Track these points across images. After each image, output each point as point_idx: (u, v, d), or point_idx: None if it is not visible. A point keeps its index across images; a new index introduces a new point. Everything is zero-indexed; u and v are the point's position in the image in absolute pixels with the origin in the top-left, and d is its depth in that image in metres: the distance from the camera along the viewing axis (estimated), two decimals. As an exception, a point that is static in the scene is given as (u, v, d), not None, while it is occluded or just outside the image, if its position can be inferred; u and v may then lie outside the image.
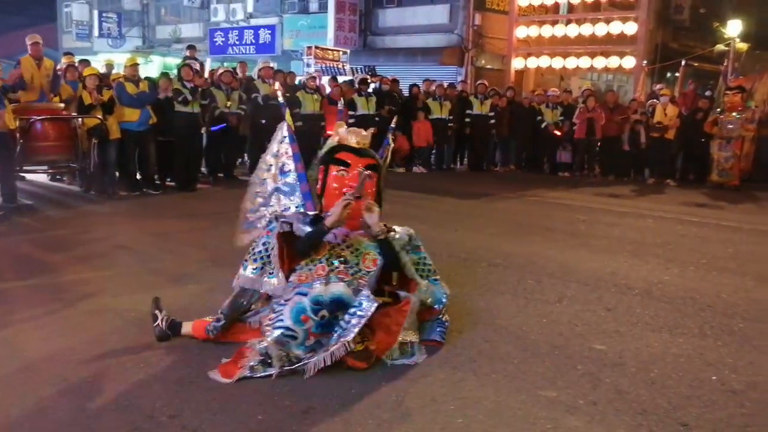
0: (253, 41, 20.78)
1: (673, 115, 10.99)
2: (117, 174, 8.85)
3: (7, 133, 7.25)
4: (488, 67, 17.19)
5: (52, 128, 8.06)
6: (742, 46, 14.42)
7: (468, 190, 9.90)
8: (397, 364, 3.24)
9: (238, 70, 11.30)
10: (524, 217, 7.83)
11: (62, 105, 8.49)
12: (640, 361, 3.40)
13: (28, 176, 9.08)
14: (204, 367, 3.16)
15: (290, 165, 3.77)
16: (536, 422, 2.74)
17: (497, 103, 12.60)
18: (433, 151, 12.77)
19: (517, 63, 16.03)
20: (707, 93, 12.36)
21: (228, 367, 3.11)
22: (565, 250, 5.98)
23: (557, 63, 15.41)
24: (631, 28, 14.39)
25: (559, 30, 15.50)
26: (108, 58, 15.88)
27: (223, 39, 21.62)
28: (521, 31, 15.92)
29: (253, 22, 20.98)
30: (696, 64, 15.53)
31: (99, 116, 8.16)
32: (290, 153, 3.75)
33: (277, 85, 9.33)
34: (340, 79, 14.06)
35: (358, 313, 3.14)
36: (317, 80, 11.73)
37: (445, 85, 12.96)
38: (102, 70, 10.55)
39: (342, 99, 10.11)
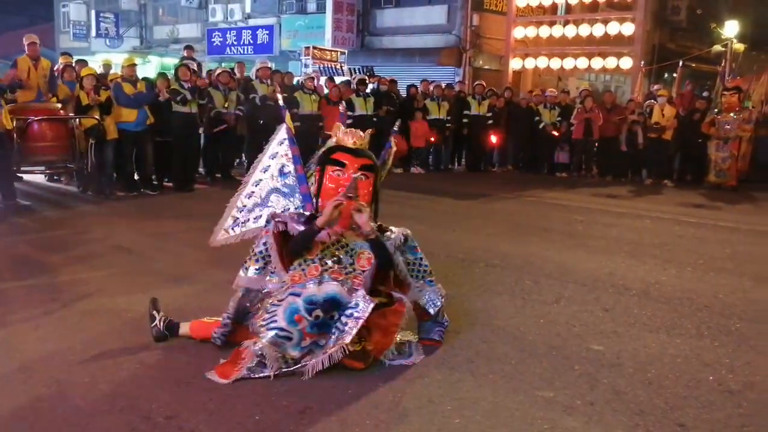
0: (251, 41, 20.77)
1: (671, 116, 11.00)
2: (114, 174, 8.85)
3: (4, 133, 7.25)
4: (486, 67, 17.21)
5: (49, 128, 8.05)
6: (739, 46, 14.48)
7: (466, 191, 9.91)
8: (394, 365, 3.25)
9: (235, 71, 11.27)
10: (522, 218, 7.84)
11: (59, 105, 8.47)
12: (637, 362, 3.40)
13: (26, 177, 9.06)
14: (201, 367, 3.15)
15: (290, 167, 3.76)
16: (534, 423, 2.74)
17: (495, 104, 12.62)
18: (431, 150, 12.77)
19: (514, 63, 16.04)
20: (704, 94, 12.39)
21: (225, 368, 3.11)
22: (563, 250, 5.99)
23: (555, 63, 15.44)
24: (628, 29, 14.42)
25: (557, 30, 15.52)
26: (105, 58, 15.86)
27: (221, 39, 21.59)
28: (519, 32, 15.93)
29: (251, 22, 20.97)
30: (693, 65, 15.57)
31: (96, 116, 8.15)
32: (290, 155, 3.74)
33: (277, 88, 9.33)
34: (338, 79, 14.04)
35: (355, 314, 3.14)
36: (315, 80, 11.73)
37: (443, 85, 12.96)
38: (99, 70, 10.54)
39: (342, 100, 10.11)
